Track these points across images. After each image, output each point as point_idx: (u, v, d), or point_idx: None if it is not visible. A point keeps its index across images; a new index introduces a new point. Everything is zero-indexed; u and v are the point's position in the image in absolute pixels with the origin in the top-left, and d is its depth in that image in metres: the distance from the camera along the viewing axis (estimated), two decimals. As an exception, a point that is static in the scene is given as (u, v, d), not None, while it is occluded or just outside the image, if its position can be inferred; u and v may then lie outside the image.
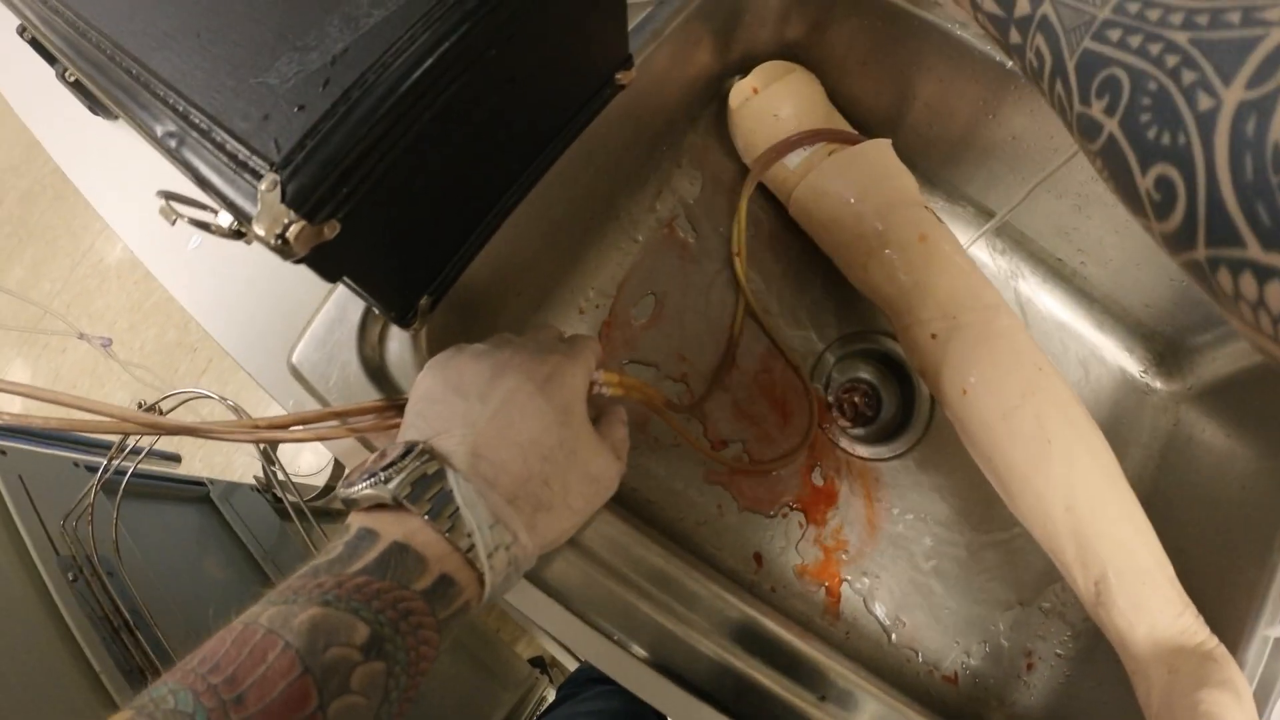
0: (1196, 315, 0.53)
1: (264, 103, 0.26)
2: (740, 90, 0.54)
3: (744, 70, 0.56)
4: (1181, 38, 0.18)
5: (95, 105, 0.44)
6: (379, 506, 0.28)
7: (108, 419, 0.32)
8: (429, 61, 0.26)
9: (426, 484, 0.28)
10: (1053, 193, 0.54)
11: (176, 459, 0.78)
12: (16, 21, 0.38)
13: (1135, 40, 0.20)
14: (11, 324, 1.44)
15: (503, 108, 0.31)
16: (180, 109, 0.26)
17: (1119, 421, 0.56)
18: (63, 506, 0.48)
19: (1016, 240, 0.59)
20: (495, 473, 0.30)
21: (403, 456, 0.28)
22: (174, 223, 0.28)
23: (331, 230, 0.26)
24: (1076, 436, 0.42)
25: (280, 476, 0.63)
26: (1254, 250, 0.16)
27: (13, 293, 1.46)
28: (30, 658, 0.38)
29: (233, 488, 0.75)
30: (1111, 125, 0.20)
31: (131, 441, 0.44)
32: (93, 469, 0.53)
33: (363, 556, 0.26)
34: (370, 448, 0.37)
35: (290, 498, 0.62)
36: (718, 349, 0.55)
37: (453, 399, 0.32)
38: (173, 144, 0.26)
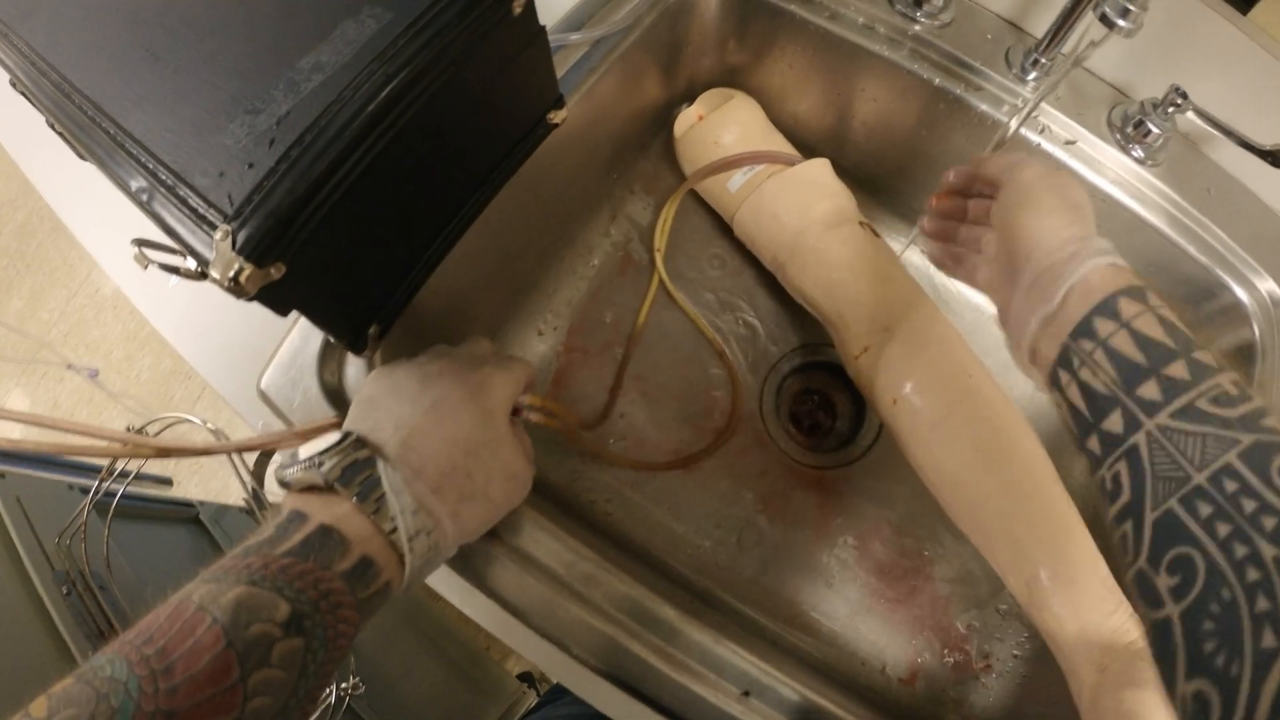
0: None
1: (220, 160, 0.30)
2: (685, 118, 0.59)
3: (691, 98, 0.60)
4: (1269, 552, 0.18)
5: (81, 153, 0.50)
6: (312, 489, 0.31)
7: (94, 441, 0.36)
8: (358, 122, 0.30)
9: (357, 469, 0.31)
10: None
11: (168, 483, 0.83)
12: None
13: (1223, 530, 0.20)
14: (10, 355, 1.51)
15: (434, 154, 0.36)
16: (150, 166, 0.31)
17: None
18: (58, 525, 0.53)
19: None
20: (422, 463, 0.33)
21: (337, 444, 0.32)
22: (146, 268, 0.32)
23: (278, 271, 0.30)
24: (1006, 443, 0.45)
25: (265, 500, 0.68)
26: None
27: (9, 325, 1.53)
28: (25, 666, 0.43)
29: (223, 510, 0.80)
30: (1174, 611, 0.20)
31: (121, 464, 0.49)
32: (86, 491, 0.58)
33: (290, 538, 0.29)
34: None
35: None
36: (675, 369, 0.59)
37: (389, 400, 0.35)
38: (144, 198, 0.31)
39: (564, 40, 0.49)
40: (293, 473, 0.32)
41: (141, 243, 0.33)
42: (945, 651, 0.54)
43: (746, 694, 0.38)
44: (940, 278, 0.63)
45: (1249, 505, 0.20)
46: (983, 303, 0.62)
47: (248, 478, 0.45)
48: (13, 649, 0.43)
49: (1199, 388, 0.24)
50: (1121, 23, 0.38)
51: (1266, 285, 0.51)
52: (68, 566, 0.51)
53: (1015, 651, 0.54)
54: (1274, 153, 0.45)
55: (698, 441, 0.57)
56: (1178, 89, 0.48)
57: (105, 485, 0.48)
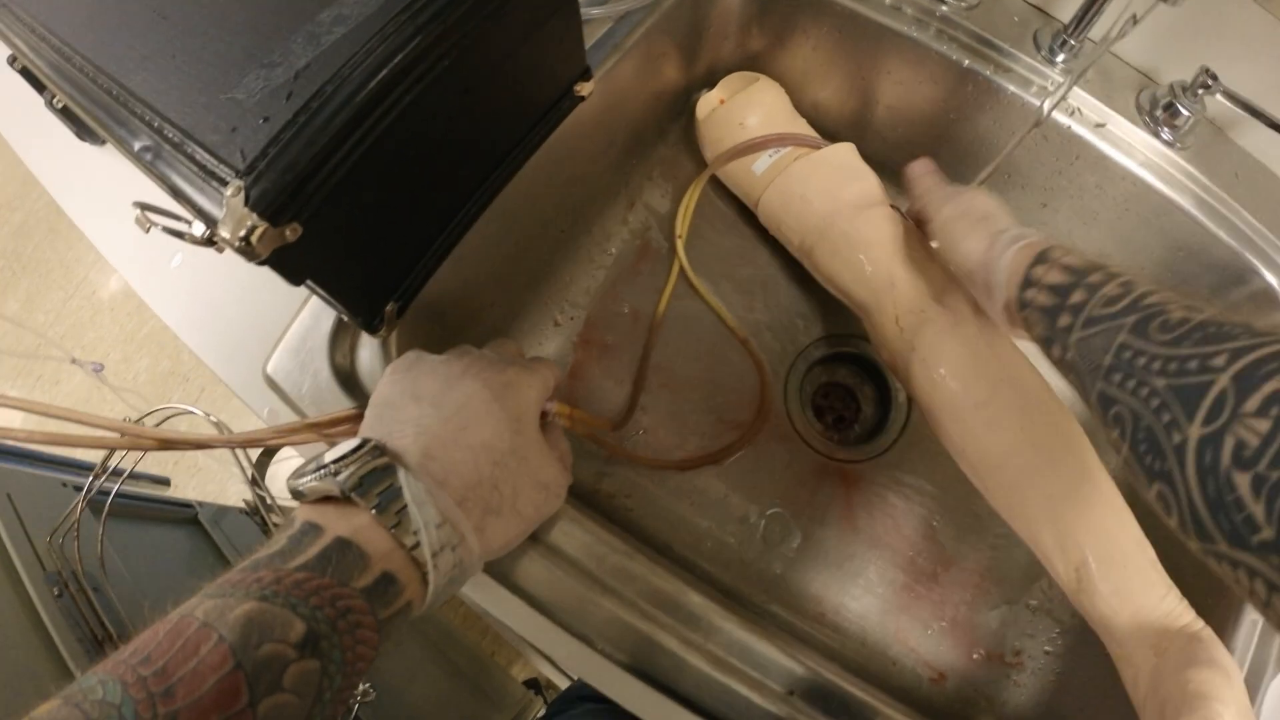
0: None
1: (232, 116, 0.28)
2: (707, 101, 0.57)
3: (711, 84, 0.58)
4: (1160, 383, 0.26)
5: (82, 131, 0.47)
6: (327, 499, 0.29)
7: (91, 430, 0.34)
8: (383, 73, 0.28)
9: (375, 478, 0.28)
10: (1019, 188, 0.56)
11: (166, 482, 0.81)
12: (7, 53, 0.41)
13: (1130, 383, 0.27)
14: (11, 350, 1.48)
15: (459, 119, 0.34)
16: (155, 125, 0.29)
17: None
18: (50, 524, 0.50)
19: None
20: (446, 473, 0.30)
21: (354, 450, 0.29)
22: (148, 230, 0.30)
23: (294, 233, 0.28)
24: (1051, 427, 0.43)
25: (269, 500, 0.65)
26: (1223, 546, 0.22)
27: (10, 318, 1.50)
28: (14, 669, 0.40)
29: (223, 511, 0.77)
30: (1124, 450, 0.27)
31: (116, 460, 0.46)
32: (80, 488, 0.54)
33: (304, 551, 0.27)
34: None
35: (277, 519, 0.64)
36: (697, 361, 0.57)
37: (408, 404, 0.33)
38: (149, 157, 0.29)
39: (587, 14, 0.47)
40: (307, 482, 0.29)
41: (144, 206, 0.31)
42: (976, 648, 0.52)
43: (791, 693, 0.36)
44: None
45: (1140, 360, 0.27)
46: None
47: (250, 472, 0.42)
48: (1, 653, 0.40)
49: (1091, 301, 0.32)
50: None
51: None
52: (60, 566, 0.49)
53: (1047, 648, 0.53)
54: None
55: (721, 435, 0.55)
56: (1208, 70, 0.47)
57: (99, 482, 0.45)
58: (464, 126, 0.34)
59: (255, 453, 0.54)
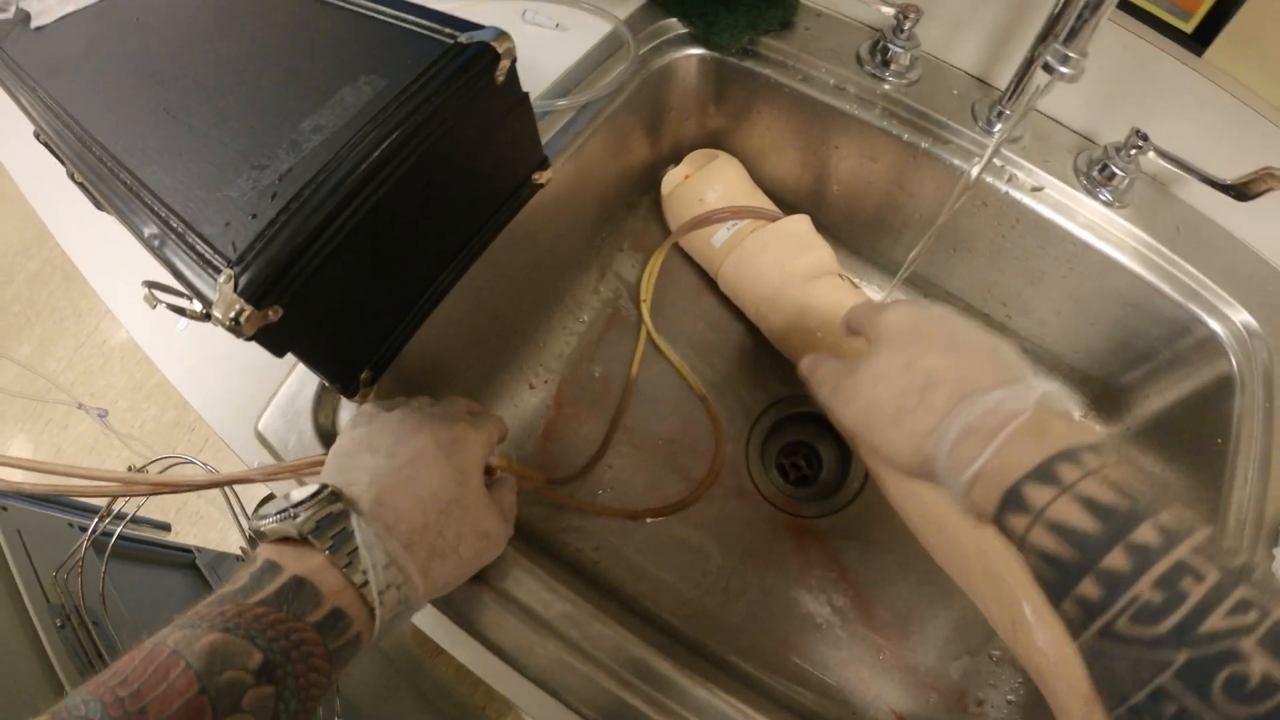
0: (1123, 356, 0.59)
1: (227, 211, 0.34)
2: (672, 177, 0.64)
3: (677, 159, 0.65)
4: None
5: (98, 203, 0.54)
6: (286, 540, 0.33)
7: (91, 483, 0.39)
8: (353, 176, 0.34)
9: (330, 522, 0.33)
10: (967, 251, 0.61)
11: (167, 527, 0.86)
12: (32, 126, 0.48)
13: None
14: (19, 393, 1.56)
15: (424, 210, 0.39)
16: (162, 215, 0.35)
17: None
18: (55, 560, 0.56)
19: (944, 299, 0.66)
20: (395, 519, 0.35)
21: (312, 496, 0.33)
22: (155, 307, 0.36)
23: (275, 314, 0.33)
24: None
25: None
26: None
27: (21, 363, 1.58)
28: (16, 694, 0.44)
29: (220, 557, 0.82)
30: None
31: (119, 505, 0.51)
32: (85, 529, 0.60)
33: (264, 588, 0.30)
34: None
35: None
36: (662, 420, 0.62)
37: (364, 454, 0.37)
38: (156, 244, 0.35)
39: (550, 106, 0.53)
40: (268, 524, 0.33)
41: (151, 284, 0.37)
42: (937, 699, 0.54)
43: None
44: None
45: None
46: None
47: (241, 514, 0.47)
48: (4, 676, 0.45)
49: (1137, 586, 0.24)
50: (1063, 69, 0.41)
51: (1240, 316, 0.52)
52: (63, 600, 0.54)
53: (1010, 697, 0.55)
54: (1235, 187, 0.47)
55: (686, 490, 0.59)
56: (1138, 131, 0.51)
57: (103, 525, 0.51)
58: (429, 216, 0.40)
59: (252, 500, 0.60)
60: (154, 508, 1.20)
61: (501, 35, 0.37)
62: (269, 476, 0.41)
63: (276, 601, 0.30)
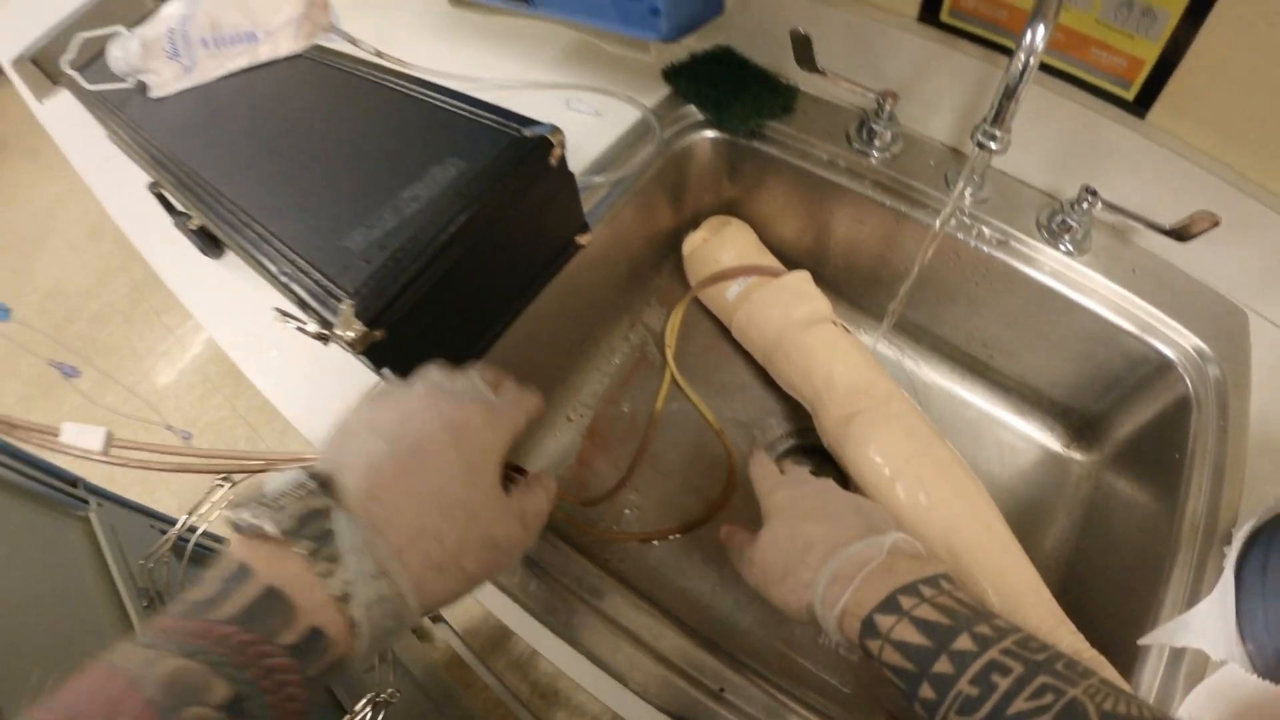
0: (1094, 387, 0.67)
1: (344, 257, 0.45)
2: (692, 240, 0.75)
3: (697, 223, 0.76)
4: None
5: (207, 247, 0.66)
6: (262, 534, 0.28)
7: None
8: (442, 237, 0.45)
9: (313, 519, 0.28)
10: (949, 299, 0.70)
11: (227, 543, 0.97)
12: (145, 180, 0.60)
13: None
14: (112, 408, 1.67)
15: (493, 263, 0.50)
16: (290, 257, 0.46)
17: (1047, 495, 0.68)
18: (139, 551, 0.66)
19: (934, 344, 0.75)
20: (387, 518, 0.30)
21: (297, 486, 0.29)
22: (286, 323, 0.47)
23: (380, 335, 0.44)
24: (952, 490, 0.55)
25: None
26: None
27: (126, 385, 1.71)
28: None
29: None
30: None
31: (193, 518, 0.61)
32: (163, 531, 0.72)
33: (233, 600, 0.27)
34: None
35: None
36: (683, 450, 0.71)
37: (364, 435, 0.33)
38: (285, 279, 0.46)
39: (590, 182, 0.65)
40: (244, 516, 0.28)
41: (283, 312, 0.48)
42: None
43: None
44: (914, 366, 0.75)
45: None
46: (953, 388, 0.74)
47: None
48: (100, 643, 0.55)
49: (959, 683, 0.31)
50: (992, 145, 0.50)
51: (1192, 341, 0.58)
52: (147, 585, 0.64)
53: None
54: (1175, 230, 0.54)
55: (702, 511, 0.68)
56: (1087, 188, 0.58)
57: (176, 533, 0.61)
58: (494, 267, 0.51)
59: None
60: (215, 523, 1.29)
61: (555, 130, 0.48)
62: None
63: (245, 619, 0.26)
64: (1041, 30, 0.44)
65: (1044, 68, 0.57)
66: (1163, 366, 0.60)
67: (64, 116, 0.91)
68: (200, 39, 0.67)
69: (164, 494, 1.61)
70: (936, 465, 0.56)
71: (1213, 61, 0.50)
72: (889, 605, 0.34)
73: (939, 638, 0.32)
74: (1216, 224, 0.52)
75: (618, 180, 0.67)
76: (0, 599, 0.52)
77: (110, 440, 0.42)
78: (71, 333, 1.94)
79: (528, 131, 0.48)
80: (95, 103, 0.69)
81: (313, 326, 0.45)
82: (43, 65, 1.17)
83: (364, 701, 0.66)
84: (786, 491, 0.46)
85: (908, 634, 0.33)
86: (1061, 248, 0.62)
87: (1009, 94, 0.46)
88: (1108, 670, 0.47)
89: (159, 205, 0.65)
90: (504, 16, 0.69)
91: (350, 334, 0.42)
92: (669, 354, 0.74)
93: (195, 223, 0.63)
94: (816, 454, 0.71)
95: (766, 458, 0.52)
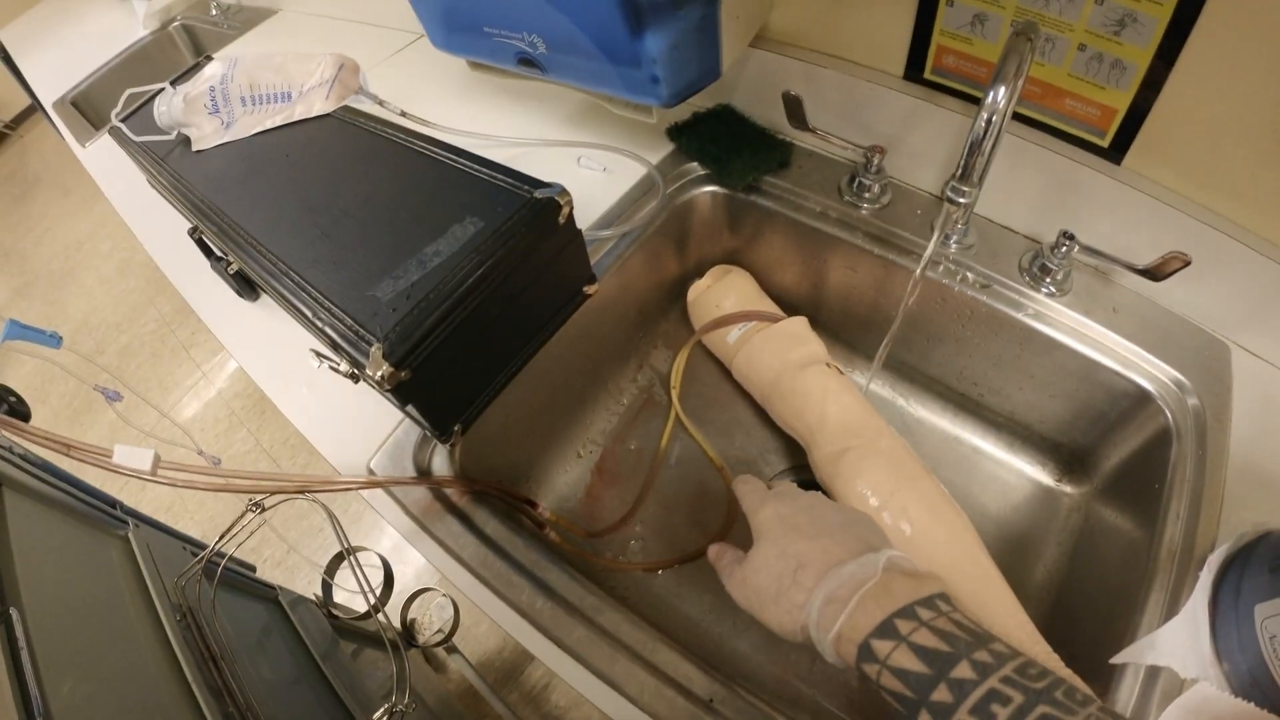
0: (1081, 422, 0.70)
1: (373, 305, 0.51)
2: (696, 287, 0.80)
3: (701, 272, 0.82)
4: None
5: (243, 290, 0.72)
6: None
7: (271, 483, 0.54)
8: (462, 288, 0.50)
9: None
10: (938, 340, 0.74)
11: (252, 568, 1.01)
12: (185, 225, 0.65)
13: None
14: (150, 431, 1.70)
15: (508, 311, 0.56)
16: (325, 305, 0.52)
17: (1039, 527, 0.71)
18: (173, 571, 0.71)
19: (926, 384, 0.79)
20: None
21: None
22: (319, 365, 0.52)
23: (406, 375, 0.49)
24: (935, 520, 0.59)
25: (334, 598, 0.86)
26: None
27: (159, 409, 1.77)
28: (147, 670, 0.59)
29: (299, 600, 0.97)
30: None
31: (222, 545, 0.66)
32: (195, 553, 0.78)
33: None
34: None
35: (338, 613, 0.84)
36: (686, 485, 0.75)
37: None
38: (319, 323, 0.51)
39: (597, 235, 0.71)
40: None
41: (317, 353, 0.53)
42: None
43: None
44: (905, 404, 0.79)
45: None
46: (946, 425, 0.78)
47: (344, 537, 0.61)
48: (140, 654, 0.57)
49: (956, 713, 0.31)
50: (961, 200, 0.53)
51: (1171, 374, 0.60)
52: (181, 601, 0.69)
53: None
54: (1148, 270, 0.56)
55: (704, 542, 0.71)
56: (1065, 232, 0.61)
57: (210, 553, 0.66)
58: (509, 315, 0.56)
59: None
60: (242, 549, 1.34)
61: (563, 191, 0.54)
62: (408, 486, 0.55)
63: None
64: (1003, 91, 0.46)
65: (1022, 118, 0.62)
66: (1142, 399, 0.62)
67: (104, 160, 0.99)
68: (240, 97, 0.73)
69: (187, 522, 1.67)
70: (921, 496, 0.60)
71: (1182, 108, 0.54)
72: (886, 630, 0.34)
73: (938, 665, 0.32)
74: (1188, 263, 0.54)
75: (625, 232, 0.73)
76: (46, 610, 0.57)
77: (158, 461, 0.47)
78: (101, 364, 2.03)
79: (539, 193, 0.54)
80: (139, 152, 0.76)
81: (345, 367, 0.51)
82: (82, 109, 1.27)
83: (380, 711, 0.69)
84: (775, 507, 0.46)
85: (906, 660, 0.33)
86: (1044, 290, 0.65)
87: (974, 150, 0.50)
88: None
89: (197, 249, 0.71)
90: (518, 79, 0.75)
91: (380, 374, 0.48)
92: (674, 394, 0.79)
93: (234, 267, 0.69)
94: (811, 488, 0.75)
95: (752, 476, 0.53)
